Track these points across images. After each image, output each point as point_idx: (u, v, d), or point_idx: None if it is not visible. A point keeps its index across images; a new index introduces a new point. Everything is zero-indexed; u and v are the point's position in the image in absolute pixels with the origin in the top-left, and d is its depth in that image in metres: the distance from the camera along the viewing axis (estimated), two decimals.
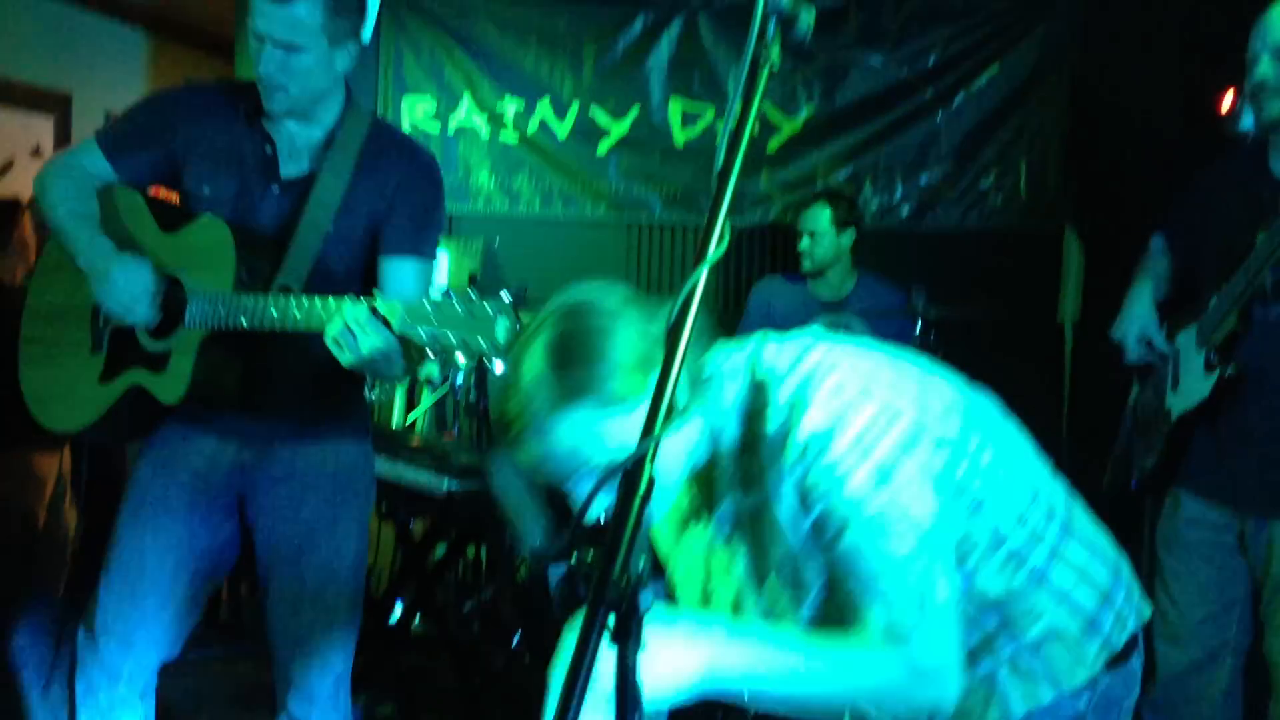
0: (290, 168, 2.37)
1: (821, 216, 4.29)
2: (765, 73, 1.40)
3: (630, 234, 5.10)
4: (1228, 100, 4.18)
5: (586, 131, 5.04)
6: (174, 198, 2.48)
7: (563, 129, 5.05)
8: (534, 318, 1.53)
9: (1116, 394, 3.31)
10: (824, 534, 1.46)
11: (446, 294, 2.00)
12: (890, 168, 4.94)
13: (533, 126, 5.05)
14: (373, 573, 3.97)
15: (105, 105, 5.58)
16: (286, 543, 2.42)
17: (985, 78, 4.87)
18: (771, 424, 1.50)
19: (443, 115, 5.09)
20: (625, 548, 1.07)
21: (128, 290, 2.26)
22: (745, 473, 1.56)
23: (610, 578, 1.06)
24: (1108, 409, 3.40)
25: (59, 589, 3.96)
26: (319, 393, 2.41)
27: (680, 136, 5.01)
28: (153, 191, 2.50)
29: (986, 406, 1.64)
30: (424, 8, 5.04)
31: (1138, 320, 2.75)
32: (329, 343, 2.06)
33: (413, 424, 4.24)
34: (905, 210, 4.95)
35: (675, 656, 1.34)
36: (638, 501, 1.09)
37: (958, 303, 4.60)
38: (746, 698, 1.42)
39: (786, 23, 1.43)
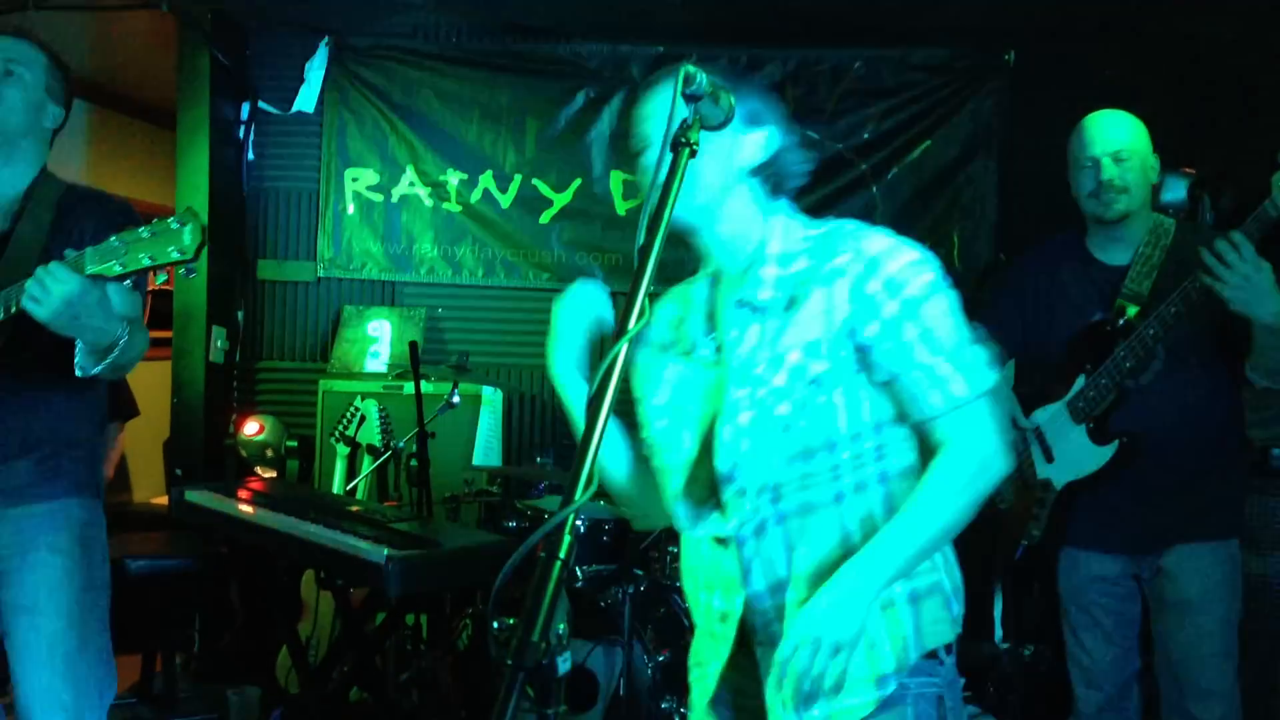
0: None
1: None
2: (685, 154, 1.46)
3: None
4: None
5: (529, 201, 5.11)
6: None
7: (505, 199, 5.11)
8: None
9: None
10: (879, 328, 1.62)
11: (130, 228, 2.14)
12: None
13: (475, 196, 5.12)
14: (311, 641, 3.94)
15: None
16: (25, 598, 2.46)
17: (918, 152, 5.02)
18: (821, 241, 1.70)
19: (385, 187, 5.15)
20: (545, 612, 1.11)
21: None
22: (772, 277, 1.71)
23: (530, 641, 1.09)
24: None
25: None
26: (41, 457, 2.47)
27: (622, 206, 5.10)
28: None
29: None
30: (368, 81, 5.12)
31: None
32: (25, 303, 2.14)
33: (353, 490, 4.23)
34: None
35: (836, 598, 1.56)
36: (557, 567, 1.13)
37: None
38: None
39: (706, 107, 1.50)
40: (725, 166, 1.72)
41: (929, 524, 1.62)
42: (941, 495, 1.62)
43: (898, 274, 1.63)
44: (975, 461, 1.63)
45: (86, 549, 2.54)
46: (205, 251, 2.14)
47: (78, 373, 2.33)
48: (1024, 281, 3.00)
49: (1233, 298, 2.46)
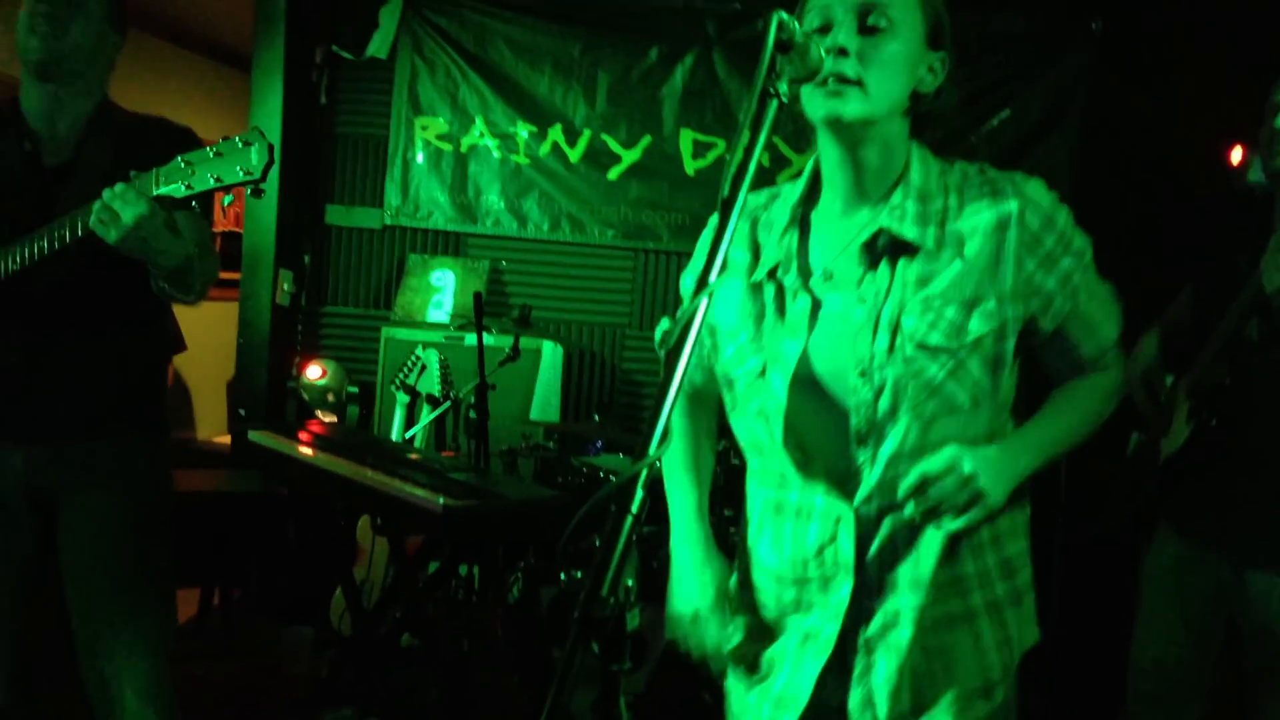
0: (51, 159, 2.43)
1: None
2: (774, 105, 1.41)
3: (637, 260, 5.12)
4: (1237, 154, 4.20)
5: (598, 157, 5.07)
6: None
7: (574, 154, 5.08)
8: None
9: (1116, 434, 3.29)
10: (1055, 276, 1.59)
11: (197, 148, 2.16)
12: None
13: (544, 149, 5.09)
14: (365, 585, 3.97)
15: None
16: (84, 537, 2.45)
17: (997, 120, 4.90)
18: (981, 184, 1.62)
19: (455, 137, 5.13)
20: (614, 566, 1.08)
21: None
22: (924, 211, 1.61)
23: (598, 596, 1.07)
24: (1107, 448, 3.39)
25: None
26: (102, 392, 2.46)
27: (691, 166, 5.04)
28: None
29: None
30: (441, 29, 5.09)
31: (1140, 363, 2.77)
32: (94, 226, 2.13)
33: (411, 438, 4.24)
34: None
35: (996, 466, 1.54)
36: (629, 521, 1.10)
37: None
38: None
39: (797, 56, 1.45)
40: (904, 84, 1.57)
41: (1079, 423, 1.69)
42: (1092, 402, 1.70)
43: (1065, 226, 1.59)
44: (1119, 384, 1.74)
45: (149, 487, 2.53)
46: (276, 180, 2.12)
47: (168, 295, 2.33)
48: (1220, 242, 2.68)
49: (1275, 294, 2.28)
